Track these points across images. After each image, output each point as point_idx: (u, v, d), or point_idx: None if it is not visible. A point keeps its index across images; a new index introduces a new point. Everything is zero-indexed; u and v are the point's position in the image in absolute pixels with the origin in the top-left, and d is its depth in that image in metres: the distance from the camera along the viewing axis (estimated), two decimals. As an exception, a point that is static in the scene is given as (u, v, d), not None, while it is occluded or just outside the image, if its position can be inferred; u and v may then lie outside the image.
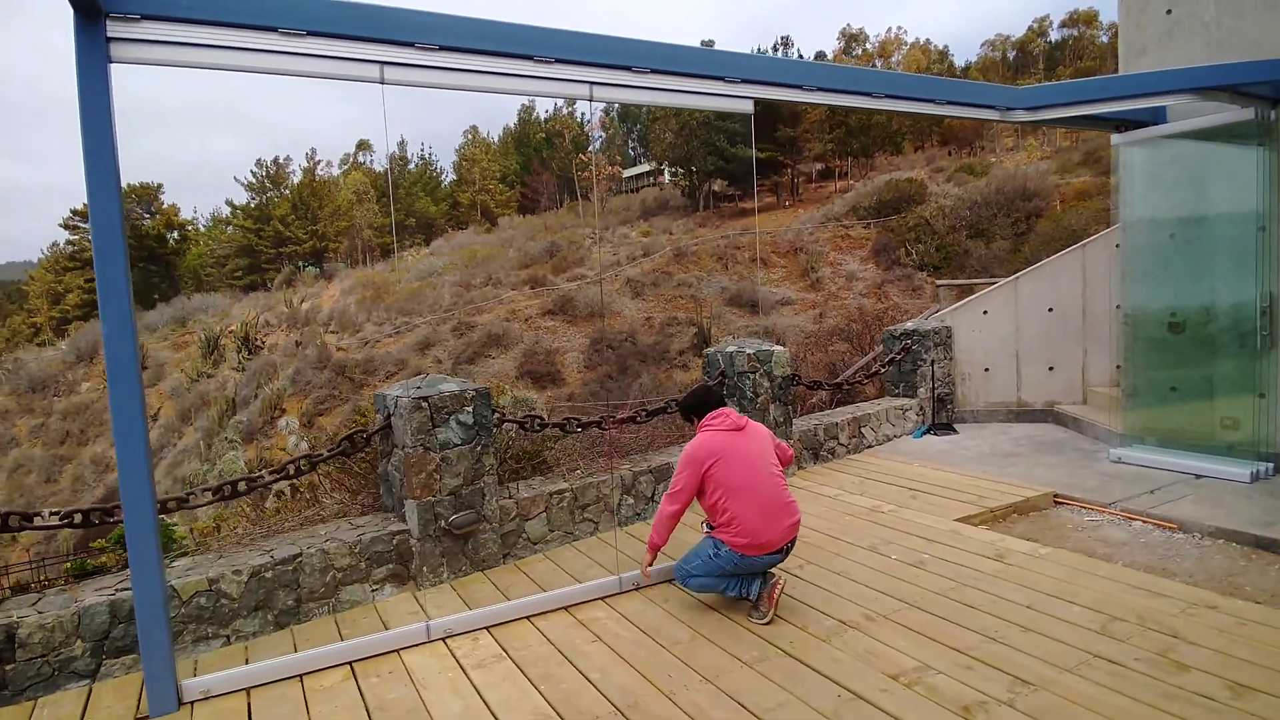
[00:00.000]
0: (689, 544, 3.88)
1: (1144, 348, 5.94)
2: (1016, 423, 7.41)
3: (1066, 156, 32.46)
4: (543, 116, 62.21)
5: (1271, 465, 5.19)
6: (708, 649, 3.27)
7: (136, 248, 50.23)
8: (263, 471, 3.82)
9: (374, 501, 4.72)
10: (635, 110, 54.20)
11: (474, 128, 61.90)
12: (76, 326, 40.08)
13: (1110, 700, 2.70)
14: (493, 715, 2.85)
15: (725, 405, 3.86)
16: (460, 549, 4.20)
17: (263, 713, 2.97)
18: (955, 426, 7.25)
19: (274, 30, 2.96)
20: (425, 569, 4.09)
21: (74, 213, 49.03)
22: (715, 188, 40.92)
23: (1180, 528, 4.53)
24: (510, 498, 4.53)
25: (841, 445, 6.53)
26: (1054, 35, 56.14)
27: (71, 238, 49.50)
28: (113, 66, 2.82)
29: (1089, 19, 52.82)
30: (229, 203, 55.65)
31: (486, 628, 3.57)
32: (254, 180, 51.44)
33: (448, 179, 60.85)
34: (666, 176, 47.15)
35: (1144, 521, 4.67)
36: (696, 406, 3.85)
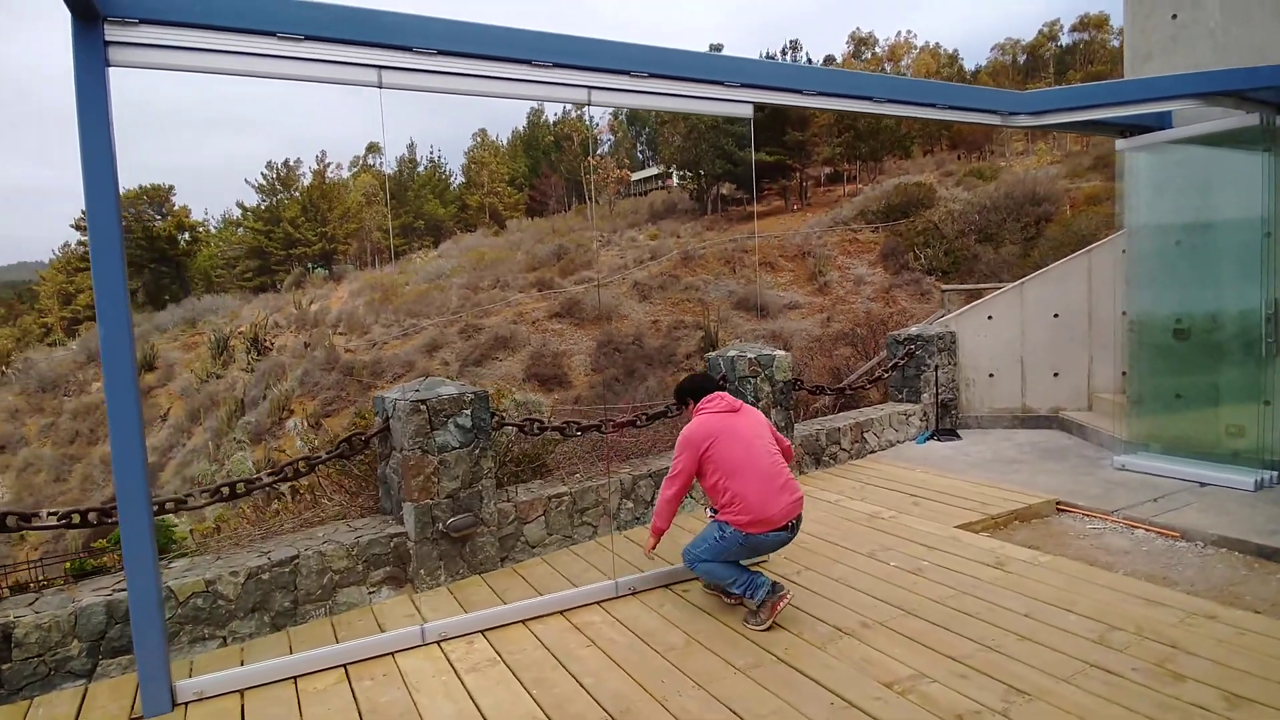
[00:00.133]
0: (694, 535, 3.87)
1: (1149, 354, 5.90)
2: (1021, 429, 7.37)
3: (1077, 161, 32.30)
4: (551, 119, 62.40)
5: (1276, 474, 5.14)
6: (702, 655, 3.26)
7: (148, 249, 50.70)
8: (261, 473, 3.83)
9: (374, 504, 4.73)
10: (644, 113, 54.27)
11: (483, 131, 62.22)
12: (87, 327, 40.43)
13: (1105, 711, 2.67)
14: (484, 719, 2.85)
15: (723, 390, 3.84)
16: (458, 552, 4.21)
17: (256, 714, 2.97)
18: (959, 432, 7.21)
19: (272, 35, 2.98)
20: (422, 572, 4.09)
21: (84, 214, 49.41)
22: (723, 191, 40.93)
23: (1183, 536, 4.49)
24: (509, 501, 4.53)
25: (844, 450, 6.50)
26: (1065, 39, 55.94)
27: (83, 238, 49.84)
28: (112, 70, 2.85)
29: (1100, 23, 52.59)
30: (240, 204, 56.12)
31: (481, 631, 3.56)
32: (264, 182, 51.78)
33: (457, 181, 61.08)
34: (675, 180, 47.20)
35: (1146, 530, 4.63)
36: (693, 390, 3.86)
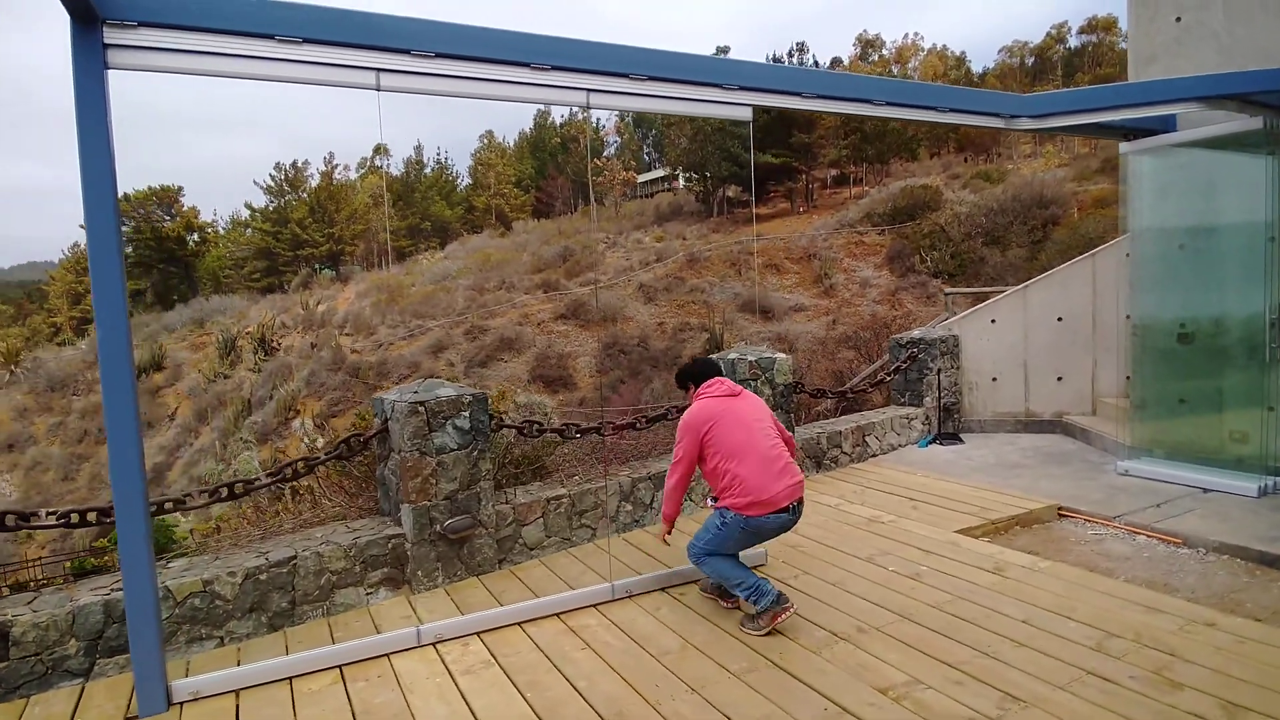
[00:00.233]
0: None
1: (1153, 359, 5.86)
2: (1024, 433, 7.33)
3: (1085, 164, 32.15)
4: (558, 121, 62.50)
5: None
6: (697, 659, 3.25)
7: (157, 249, 50.97)
8: (259, 474, 3.85)
9: (373, 505, 4.74)
10: (650, 116, 54.33)
11: (489, 132, 62.25)
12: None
13: (1100, 718, 2.65)
14: (477, 722, 2.85)
15: (723, 375, 3.83)
16: (455, 554, 4.21)
17: (250, 714, 2.98)
18: (961, 436, 7.18)
19: (270, 38, 2.99)
20: (420, 573, 4.10)
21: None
22: (729, 193, 40.91)
23: (1185, 542, 4.46)
24: (507, 503, 4.54)
25: (845, 454, 6.49)
26: (1073, 41, 55.69)
27: (93, 239, 50.14)
28: (114, 73, 2.87)
29: (1108, 25, 52.32)
30: (248, 205, 56.27)
31: (477, 633, 3.57)
32: (272, 184, 52.00)
33: (463, 183, 61.22)
34: (681, 182, 47.19)
35: (1148, 536, 4.60)
36: (694, 375, 3.85)
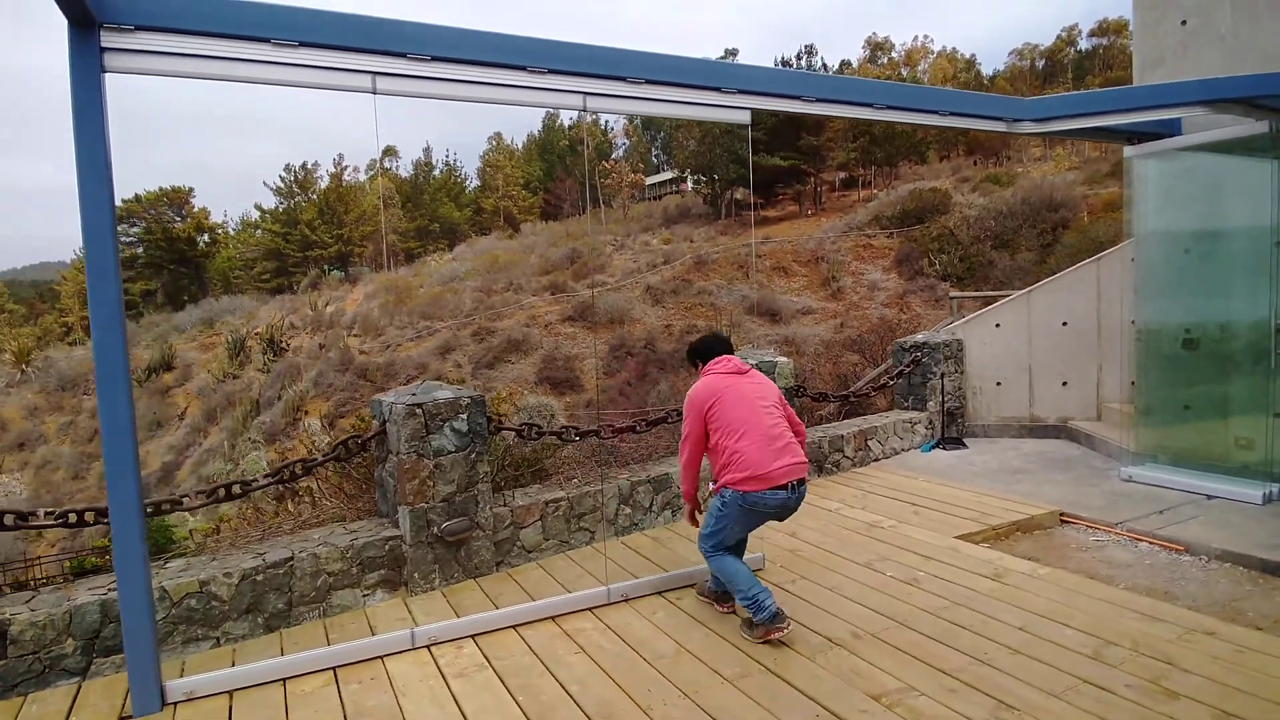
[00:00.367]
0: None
1: (1157, 364, 5.82)
2: (1029, 438, 7.28)
3: (1095, 167, 31.96)
4: (566, 124, 62.64)
5: (1286, 487, 5.05)
6: (690, 663, 3.24)
7: (167, 250, 51.37)
8: (257, 475, 3.86)
9: (373, 506, 4.75)
10: (658, 118, 54.38)
11: (498, 134, 62.62)
12: (108, 326, 40.87)
13: (1095, 728, 2.63)
14: (468, 725, 2.85)
15: (733, 354, 3.79)
16: (453, 556, 4.21)
17: (243, 715, 2.99)
18: (965, 441, 7.14)
19: (267, 41, 3.00)
20: (417, 575, 4.10)
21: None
22: (737, 196, 40.87)
23: (1187, 550, 4.41)
24: (505, 505, 4.54)
25: (847, 458, 6.46)
26: (1083, 44, 55.40)
27: (105, 240, 50.58)
28: (109, 76, 2.89)
29: (1119, 28, 52.01)
30: (258, 207, 56.66)
31: (472, 636, 3.57)
32: (282, 185, 52.31)
33: (472, 185, 61.42)
34: (689, 184, 47.20)
35: (1150, 542, 4.56)
36: (701, 352, 3.81)
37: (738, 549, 3.74)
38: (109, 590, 3.45)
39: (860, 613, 3.65)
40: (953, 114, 4.56)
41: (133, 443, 2.98)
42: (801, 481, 3.49)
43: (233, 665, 3.36)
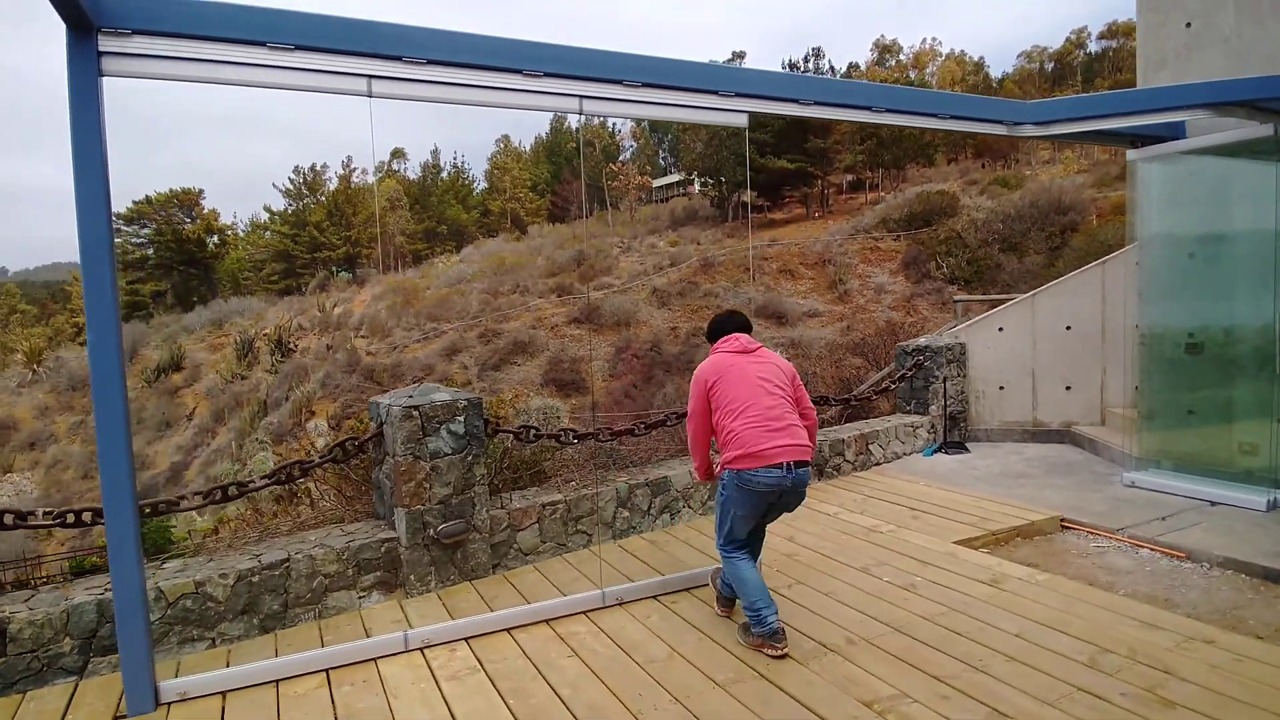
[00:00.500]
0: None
1: (1161, 369, 5.77)
2: (1032, 443, 7.24)
3: (1104, 170, 31.79)
4: (574, 126, 62.74)
5: (1291, 494, 5.00)
6: (683, 668, 3.23)
7: (177, 251, 51.70)
8: (254, 477, 3.87)
9: (371, 508, 4.76)
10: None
11: (505, 137, 62.75)
12: (118, 327, 41.15)
13: (1088, 737, 2.61)
14: (458, 728, 2.84)
15: (748, 333, 3.72)
16: (449, 558, 4.22)
17: (236, 717, 3.00)
18: (967, 445, 7.10)
19: (262, 44, 3.02)
20: (413, 577, 4.10)
21: (117, 216, 50.40)
22: (744, 198, 40.83)
23: (1188, 556, 4.37)
24: (502, 508, 4.54)
25: (847, 462, 6.43)
26: (1093, 47, 55.16)
27: (115, 240, 50.95)
28: (105, 80, 2.90)
29: (1129, 30, 51.70)
30: (267, 208, 56.97)
31: (465, 639, 3.56)
32: (291, 187, 52.60)
33: (479, 187, 61.59)
34: (696, 186, 47.19)
35: (1151, 549, 4.52)
36: (714, 330, 3.78)
37: (754, 548, 3.67)
38: (105, 590, 3.46)
39: (856, 618, 3.63)
40: (953, 117, 4.54)
41: (127, 444, 2.99)
42: (801, 464, 3.38)
43: (227, 666, 3.37)
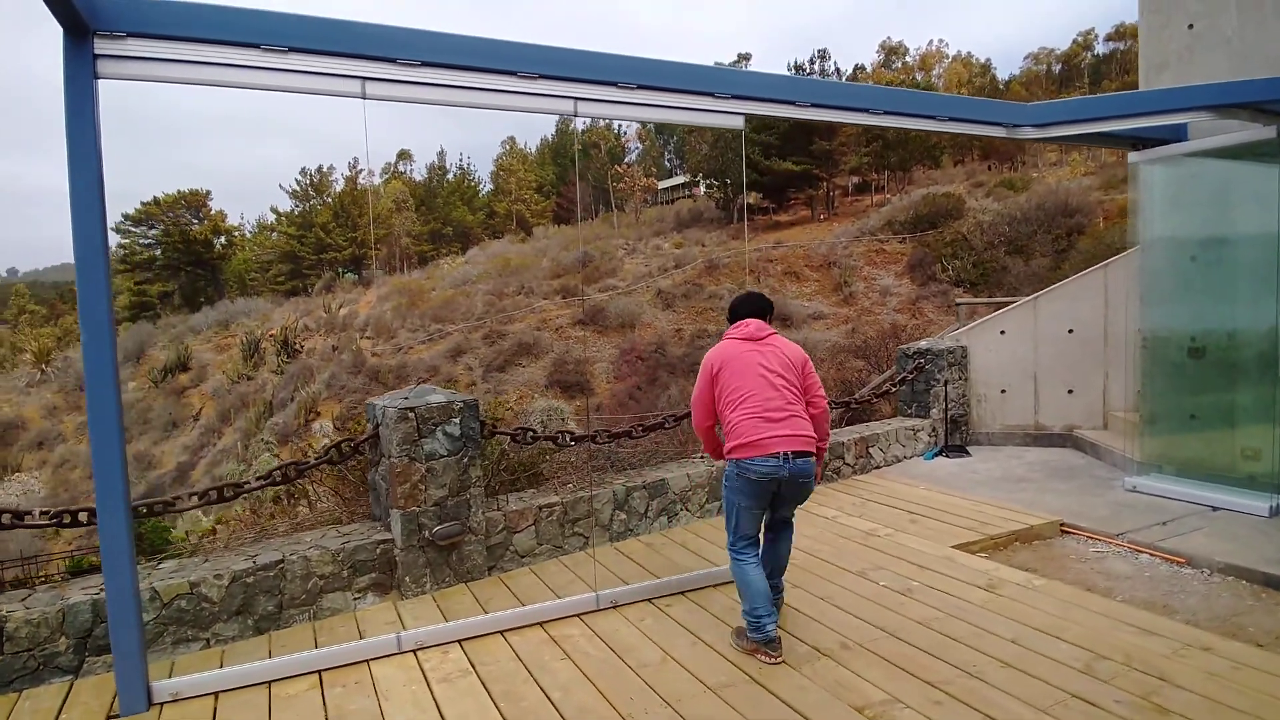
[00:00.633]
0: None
1: (1163, 373, 5.73)
2: (1033, 446, 7.20)
3: (1111, 172, 31.60)
4: (580, 127, 62.79)
5: (1294, 499, 4.95)
6: (675, 672, 3.22)
7: (184, 252, 51.94)
8: (249, 478, 3.88)
9: (369, 509, 4.76)
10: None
11: (511, 138, 62.93)
12: (125, 327, 41.49)
13: (1080, 744, 2.58)
14: (448, 731, 2.84)
15: (764, 317, 3.67)
16: (444, 560, 4.21)
17: (227, 717, 3.00)
18: (968, 449, 7.07)
19: (256, 47, 3.02)
20: (408, 579, 4.10)
21: (125, 217, 50.89)
22: (750, 200, 40.80)
23: (1189, 562, 4.34)
24: (498, 510, 4.53)
25: (847, 465, 6.41)
26: (1100, 49, 54.89)
27: (123, 241, 51.32)
28: (101, 83, 2.92)
29: (1135, 32, 51.46)
30: (274, 210, 57.19)
31: (458, 641, 3.56)
32: (298, 188, 52.80)
33: (485, 188, 61.72)
34: (701, 189, 47.18)
35: (1151, 554, 4.49)
36: (732, 311, 3.75)
37: (780, 548, 3.65)
38: (101, 590, 3.47)
39: (851, 623, 3.61)
40: (951, 119, 4.52)
41: (121, 444, 3.00)
42: (800, 454, 3.34)
43: (221, 667, 3.37)
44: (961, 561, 4.34)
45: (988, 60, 58.94)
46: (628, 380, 24.66)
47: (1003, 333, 7.31)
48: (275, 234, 54.34)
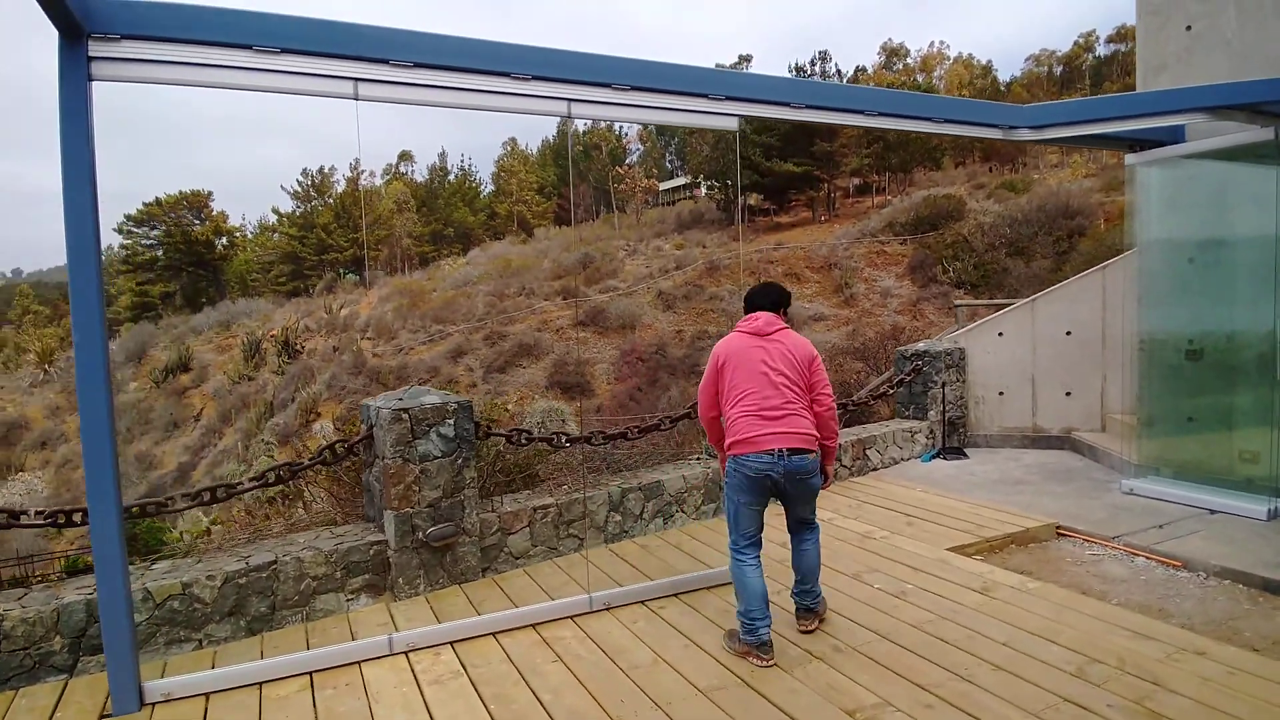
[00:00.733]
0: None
1: (1161, 375, 5.72)
2: (1031, 449, 7.19)
3: (1112, 174, 31.52)
4: (581, 129, 62.85)
5: (1292, 502, 4.94)
6: (666, 674, 3.21)
7: (186, 253, 51.98)
8: (242, 479, 3.88)
9: (363, 510, 4.76)
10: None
11: (512, 140, 62.87)
12: (127, 328, 41.56)
13: (1071, 748, 2.57)
14: (438, 733, 2.84)
15: (778, 311, 3.65)
16: (438, 561, 4.21)
17: (217, 718, 3.00)
18: (966, 451, 7.06)
19: (249, 48, 3.03)
20: (402, 580, 4.10)
21: (127, 218, 50.97)
22: (750, 202, 40.80)
23: (1185, 565, 4.33)
24: (493, 511, 4.53)
25: (844, 467, 6.40)
26: (1101, 50, 54.80)
27: (125, 242, 51.40)
28: (95, 85, 2.92)
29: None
30: (275, 210, 57.22)
31: (450, 642, 3.56)
32: (299, 189, 52.84)
33: (487, 190, 61.75)
34: (702, 190, 47.19)
35: (1147, 557, 4.48)
36: (746, 302, 3.76)
37: (799, 560, 3.62)
38: (94, 590, 3.47)
39: (843, 625, 3.61)
40: (947, 121, 4.51)
41: (112, 445, 3.01)
42: (796, 451, 3.32)
43: (213, 667, 3.38)
44: (957, 564, 4.33)
45: (989, 62, 58.86)
46: (628, 381, 24.65)
47: (1001, 335, 7.30)
48: (276, 235, 54.37)
